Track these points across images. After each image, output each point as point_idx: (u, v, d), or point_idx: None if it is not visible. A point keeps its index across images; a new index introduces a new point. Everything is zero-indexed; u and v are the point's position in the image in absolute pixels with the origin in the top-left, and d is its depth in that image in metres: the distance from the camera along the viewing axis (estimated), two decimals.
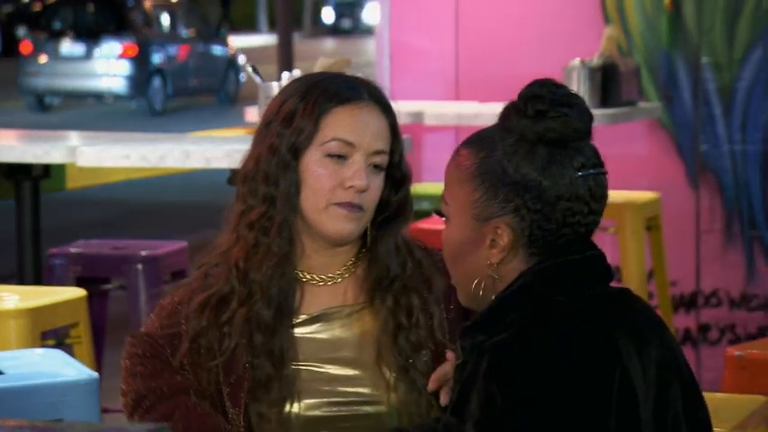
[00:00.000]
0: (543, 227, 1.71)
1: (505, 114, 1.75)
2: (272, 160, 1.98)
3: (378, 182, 1.99)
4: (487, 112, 4.69)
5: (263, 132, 2.01)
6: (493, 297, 1.74)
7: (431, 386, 1.92)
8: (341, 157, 1.97)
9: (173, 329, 1.99)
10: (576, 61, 4.57)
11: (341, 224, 1.97)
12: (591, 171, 1.72)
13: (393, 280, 2.00)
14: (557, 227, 1.71)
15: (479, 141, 1.76)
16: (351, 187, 1.96)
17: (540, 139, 1.71)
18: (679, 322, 5.03)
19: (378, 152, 1.99)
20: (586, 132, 1.73)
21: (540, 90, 1.73)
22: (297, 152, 1.97)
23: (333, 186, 1.97)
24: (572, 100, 1.72)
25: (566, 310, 1.70)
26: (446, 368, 1.92)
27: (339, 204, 1.96)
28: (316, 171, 1.97)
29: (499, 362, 1.66)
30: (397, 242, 2.02)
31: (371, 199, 1.98)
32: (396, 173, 2.02)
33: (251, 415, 1.95)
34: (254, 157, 2.01)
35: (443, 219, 1.79)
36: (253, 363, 1.95)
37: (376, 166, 1.99)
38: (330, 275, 2.02)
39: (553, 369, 1.64)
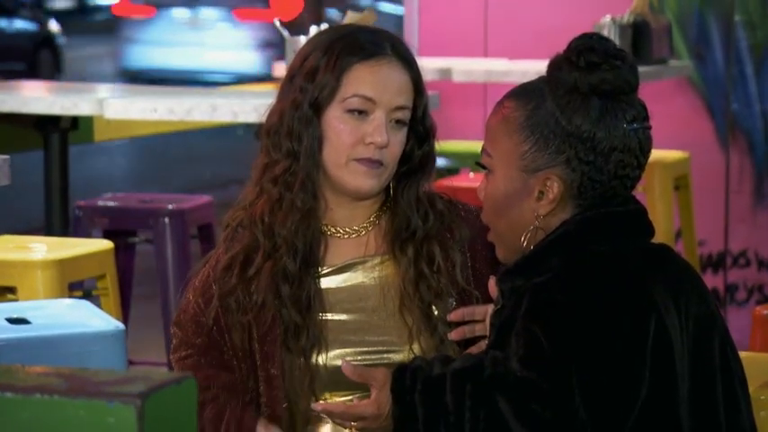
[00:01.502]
0: (594, 178, 1.72)
1: (555, 66, 1.74)
2: (295, 115, 1.98)
3: (400, 137, 2.00)
4: (517, 69, 4.66)
5: (287, 87, 2.02)
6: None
7: (452, 317, 1.94)
8: (362, 113, 1.97)
9: (206, 296, 2.01)
10: (607, 18, 4.53)
11: (361, 180, 1.98)
12: (641, 124, 1.73)
13: (415, 231, 2.01)
14: (608, 179, 1.72)
15: (526, 93, 1.75)
16: (371, 143, 1.97)
17: (593, 90, 1.72)
18: (707, 282, 4.98)
19: (399, 108, 1.99)
20: (636, 86, 1.74)
21: (591, 42, 1.73)
22: (319, 108, 1.98)
23: (353, 142, 1.97)
24: (622, 53, 1.74)
25: (605, 259, 1.70)
26: (476, 309, 1.93)
27: (359, 160, 1.97)
28: (337, 127, 1.98)
29: (539, 303, 1.67)
30: (419, 195, 2.03)
31: (393, 154, 1.99)
32: (419, 127, 2.02)
33: (282, 367, 1.97)
34: (277, 112, 2.01)
35: (485, 172, 1.78)
36: (281, 313, 1.97)
37: (398, 122, 1.99)
38: (355, 228, 2.04)
39: (591, 312, 1.65)
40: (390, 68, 1.98)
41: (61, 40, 12.76)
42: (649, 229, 1.75)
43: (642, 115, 1.74)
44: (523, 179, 1.74)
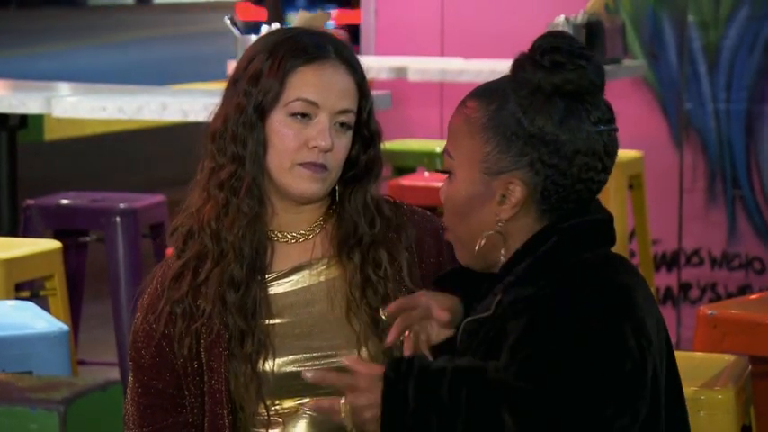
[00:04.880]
0: (558, 182, 1.67)
1: (519, 65, 1.70)
2: (239, 120, 1.97)
3: (344, 141, 1.99)
4: (471, 69, 4.67)
5: (231, 90, 2.00)
6: (501, 254, 1.70)
7: (390, 309, 1.85)
8: (305, 117, 1.96)
9: (156, 309, 1.99)
10: (561, 18, 4.54)
11: (305, 184, 1.97)
12: (606, 126, 1.68)
13: (362, 237, 2.00)
14: (571, 183, 1.67)
15: (489, 93, 1.70)
16: (315, 147, 1.95)
17: (556, 90, 1.66)
18: (660, 281, 5.04)
19: (343, 111, 1.98)
20: (601, 86, 1.69)
21: (556, 41, 1.68)
22: (263, 112, 1.97)
23: (297, 146, 1.96)
24: (587, 53, 1.69)
25: (599, 270, 1.67)
26: (409, 300, 1.86)
27: (303, 165, 1.96)
28: (280, 131, 1.97)
29: (547, 318, 1.61)
30: (366, 200, 2.01)
31: (337, 158, 1.98)
32: (364, 131, 2.01)
33: (228, 374, 1.96)
34: (222, 116, 2.00)
35: (446, 174, 1.73)
36: (226, 320, 1.96)
37: (342, 125, 1.98)
38: (301, 233, 2.02)
39: (602, 329, 1.61)
40: (333, 72, 1.98)
41: None
42: (614, 237, 1.73)
43: (607, 117, 1.69)
44: (485, 182, 1.69)
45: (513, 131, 1.67)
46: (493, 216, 1.70)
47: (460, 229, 1.73)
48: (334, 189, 2.02)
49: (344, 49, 2.01)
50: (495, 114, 1.68)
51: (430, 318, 1.79)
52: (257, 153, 1.96)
